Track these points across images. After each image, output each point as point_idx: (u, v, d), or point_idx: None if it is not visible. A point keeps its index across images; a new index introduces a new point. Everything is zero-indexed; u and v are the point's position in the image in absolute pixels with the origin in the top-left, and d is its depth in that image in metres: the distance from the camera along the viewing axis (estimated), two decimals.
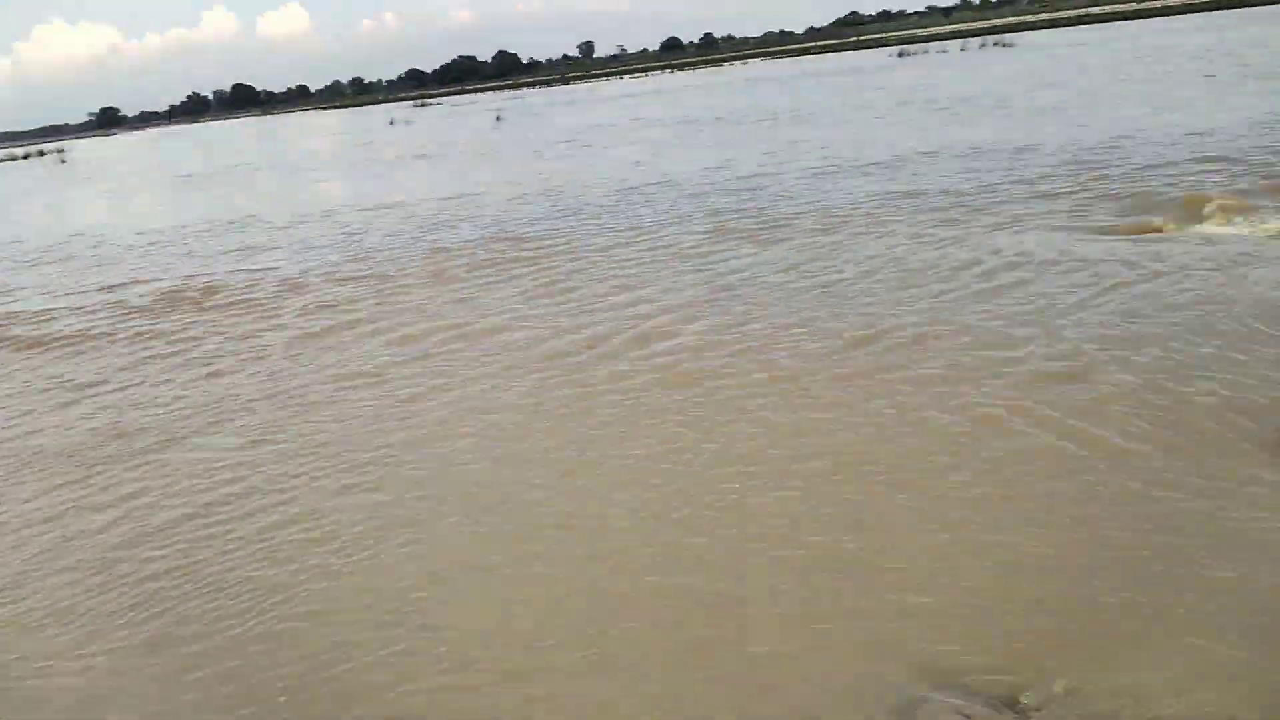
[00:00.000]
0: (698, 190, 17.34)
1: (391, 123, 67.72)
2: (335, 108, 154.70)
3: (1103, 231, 10.86)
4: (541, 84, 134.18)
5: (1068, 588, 4.31)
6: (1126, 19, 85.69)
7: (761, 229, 13.05)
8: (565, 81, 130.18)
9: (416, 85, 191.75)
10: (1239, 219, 10.67)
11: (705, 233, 13.27)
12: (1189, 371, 6.41)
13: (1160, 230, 10.68)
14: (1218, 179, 12.71)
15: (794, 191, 15.89)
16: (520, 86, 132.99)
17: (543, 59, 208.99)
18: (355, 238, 16.83)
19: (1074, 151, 16.39)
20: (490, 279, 12.02)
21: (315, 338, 10.29)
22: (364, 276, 13.18)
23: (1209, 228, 10.58)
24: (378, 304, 11.43)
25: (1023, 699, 3.64)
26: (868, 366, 7.23)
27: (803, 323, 8.50)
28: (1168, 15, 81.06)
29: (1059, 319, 7.80)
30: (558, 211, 16.88)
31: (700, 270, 11.12)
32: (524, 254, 13.31)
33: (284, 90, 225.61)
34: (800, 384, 7.04)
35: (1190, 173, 13.35)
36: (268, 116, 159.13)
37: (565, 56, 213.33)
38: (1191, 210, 11.26)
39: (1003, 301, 8.49)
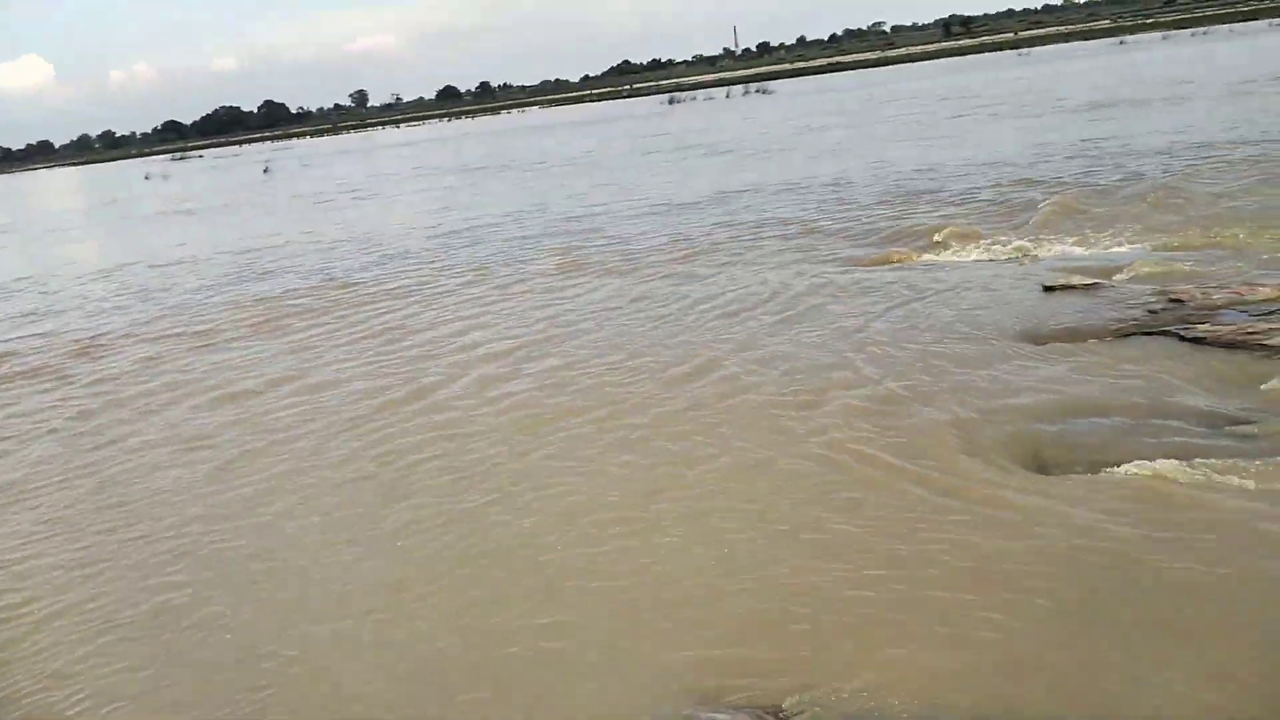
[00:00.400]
0: (521, 232, 17.44)
1: (147, 177, 63.51)
2: (83, 163, 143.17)
3: (853, 263, 11.80)
4: (312, 134, 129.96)
5: (822, 597, 4.66)
6: (870, 66, 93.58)
7: (578, 267, 13.28)
8: (337, 131, 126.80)
9: (175, 137, 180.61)
10: (966, 245, 11.90)
11: (543, 274, 13.30)
12: (922, 387, 7.09)
13: (902, 260, 11.73)
14: (954, 210, 14.14)
15: (614, 230, 16.27)
16: (290, 137, 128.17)
17: (313, 108, 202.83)
18: (156, 294, 15.73)
19: (828, 189, 17.74)
20: (329, 326, 11.69)
21: (123, 404, 9.51)
22: (178, 334, 12.36)
23: (941, 255, 11.73)
24: (195, 360, 10.82)
25: (785, 704, 3.90)
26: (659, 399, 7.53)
27: (625, 358, 8.73)
28: (907, 63, 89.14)
29: (842, 344, 8.43)
30: (384, 257, 16.52)
31: (545, 307, 11.22)
32: (360, 299, 13.04)
33: (23, 147, 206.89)
34: (628, 422, 7.23)
35: (931, 204, 14.77)
36: (5, 176, 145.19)
37: (337, 105, 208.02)
38: (927, 239, 12.44)
39: (799, 330, 9.06)
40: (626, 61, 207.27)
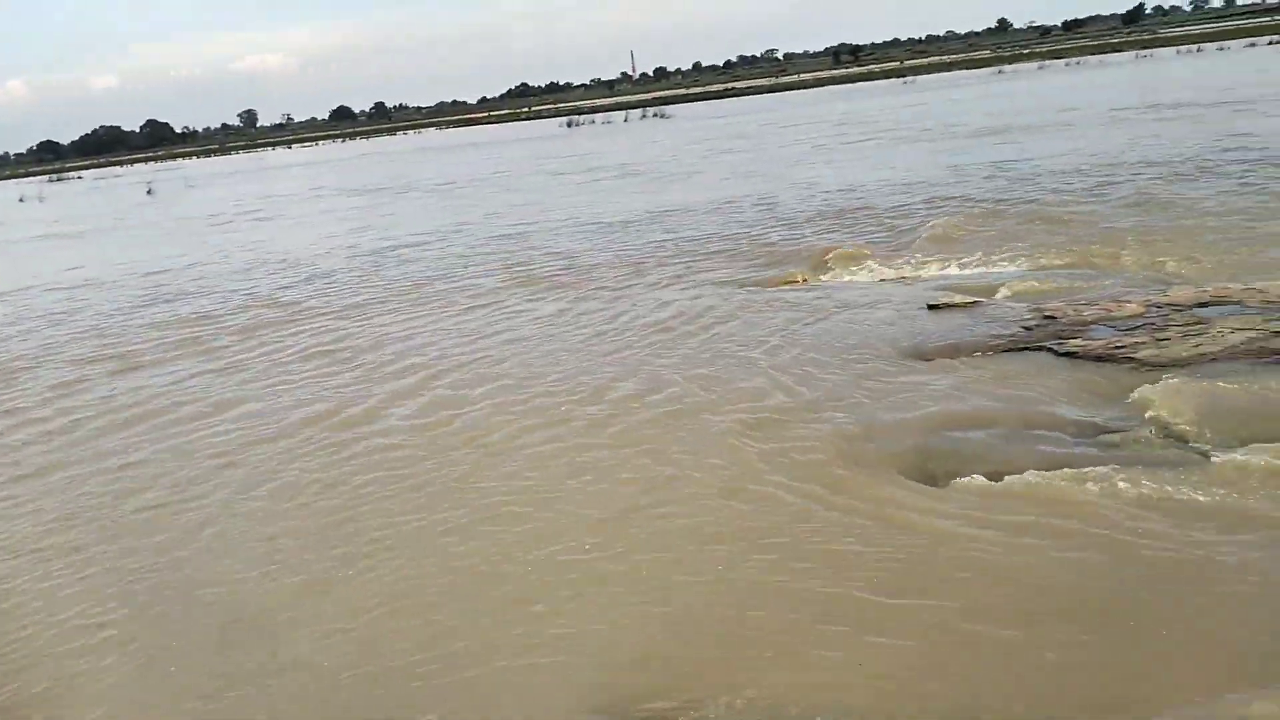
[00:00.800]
0: (449, 250, 17.27)
1: (21, 200, 60.30)
2: None
3: (749, 284, 12.08)
4: (199, 154, 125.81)
5: (715, 613, 4.77)
6: (763, 93, 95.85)
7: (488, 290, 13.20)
8: (226, 151, 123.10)
9: (53, 158, 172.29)
10: (855, 266, 12.34)
11: (481, 292, 13.15)
12: (814, 403, 7.32)
13: (797, 281, 12.07)
14: (847, 231, 14.63)
15: (547, 245, 16.20)
16: (175, 157, 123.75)
17: (199, 128, 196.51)
18: (63, 318, 14.95)
19: (728, 210, 18.12)
20: (264, 347, 11.36)
21: (51, 435, 8.93)
22: (98, 357, 11.74)
23: (832, 275, 12.13)
24: (119, 383, 10.27)
25: (685, 716, 3.98)
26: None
27: (549, 380, 8.71)
28: (799, 89, 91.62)
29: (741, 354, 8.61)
30: (309, 277, 16.13)
31: (488, 325, 11.09)
32: (292, 317, 12.75)
33: None
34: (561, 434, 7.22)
35: (828, 226, 15.24)
36: None
37: (225, 125, 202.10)
38: (819, 261, 12.84)
39: (693, 350, 9.21)
40: (525, 84, 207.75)
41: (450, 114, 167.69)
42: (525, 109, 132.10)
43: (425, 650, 4.67)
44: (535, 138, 63.57)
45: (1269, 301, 8.26)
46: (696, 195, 21.28)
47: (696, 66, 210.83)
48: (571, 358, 9.36)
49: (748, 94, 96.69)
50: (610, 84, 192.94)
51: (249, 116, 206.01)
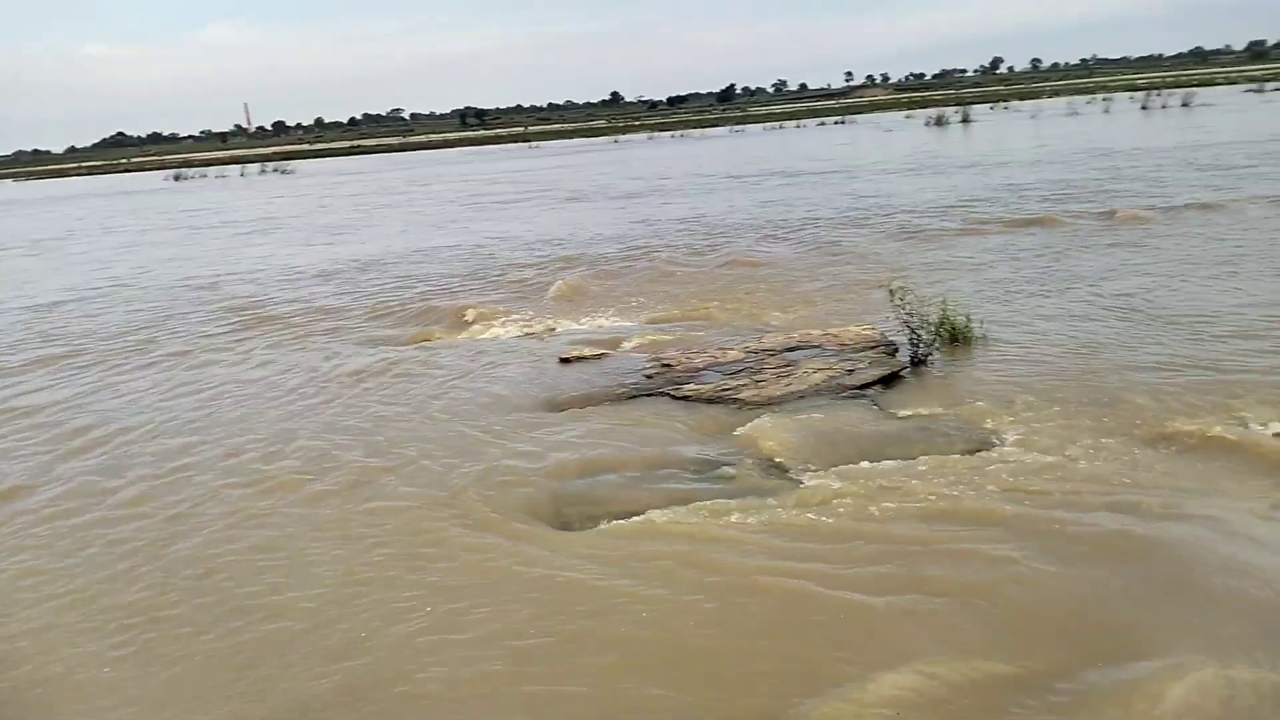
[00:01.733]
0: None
1: None
2: None
3: (386, 343, 11.87)
4: None
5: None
6: (393, 151, 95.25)
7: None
8: None
9: None
10: (492, 323, 12.59)
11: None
12: (453, 459, 7.35)
13: (433, 339, 12.05)
14: (483, 289, 14.88)
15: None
16: None
17: None
18: None
19: (362, 271, 17.67)
20: None
21: None
22: None
23: (470, 333, 12.28)
24: None
25: None
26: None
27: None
28: (429, 149, 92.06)
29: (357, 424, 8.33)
30: None
31: None
32: None
33: None
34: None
35: (461, 285, 15.38)
36: None
37: None
38: (459, 319, 12.94)
39: (329, 415, 8.76)
40: (122, 133, 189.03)
41: (29, 164, 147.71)
42: (124, 160, 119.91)
43: None
44: (135, 191, 57.91)
45: (843, 344, 9.61)
46: (329, 254, 20.57)
47: (319, 122, 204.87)
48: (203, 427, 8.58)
49: (376, 152, 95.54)
50: (224, 136, 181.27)
51: None
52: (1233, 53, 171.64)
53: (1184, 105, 52.07)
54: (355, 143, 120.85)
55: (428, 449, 7.59)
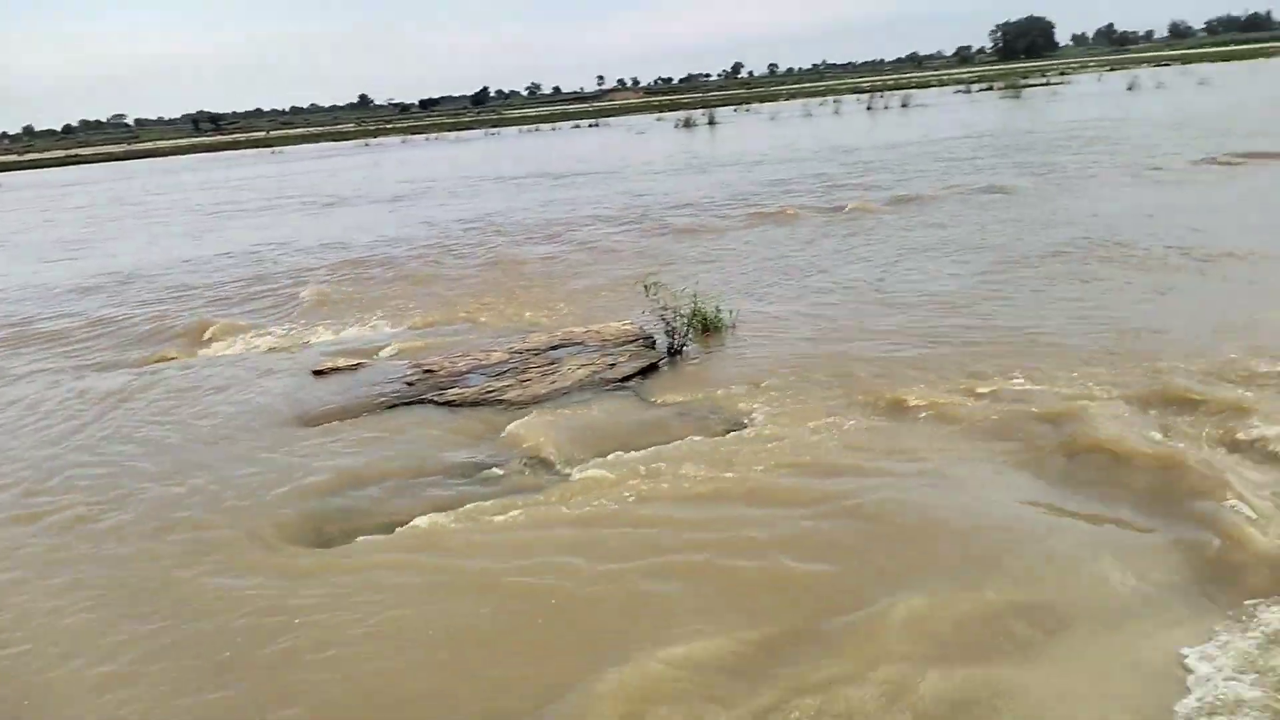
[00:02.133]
0: None
1: None
2: None
3: (122, 366, 10.87)
4: None
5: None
6: (118, 159, 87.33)
7: None
8: None
9: None
10: (236, 339, 11.83)
11: None
12: (196, 487, 6.86)
13: (173, 358, 11.16)
14: (225, 303, 13.94)
15: None
16: None
17: None
18: None
19: (86, 290, 16.08)
20: None
21: None
22: None
23: (212, 350, 11.47)
24: None
25: None
26: None
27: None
28: (159, 156, 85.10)
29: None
30: None
31: None
32: None
33: None
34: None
35: (199, 299, 14.32)
36: None
37: None
38: (197, 336, 12.05)
39: (61, 447, 7.86)
40: None
41: None
42: None
43: None
44: None
45: (605, 340, 9.79)
46: (39, 275, 18.55)
47: (29, 130, 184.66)
48: None
49: (96, 161, 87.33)
50: None
51: None
52: (944, 58, 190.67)
53: (903, 106, 57.14)
54: (72, 151, 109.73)
55: (145, 483, 7.02)
